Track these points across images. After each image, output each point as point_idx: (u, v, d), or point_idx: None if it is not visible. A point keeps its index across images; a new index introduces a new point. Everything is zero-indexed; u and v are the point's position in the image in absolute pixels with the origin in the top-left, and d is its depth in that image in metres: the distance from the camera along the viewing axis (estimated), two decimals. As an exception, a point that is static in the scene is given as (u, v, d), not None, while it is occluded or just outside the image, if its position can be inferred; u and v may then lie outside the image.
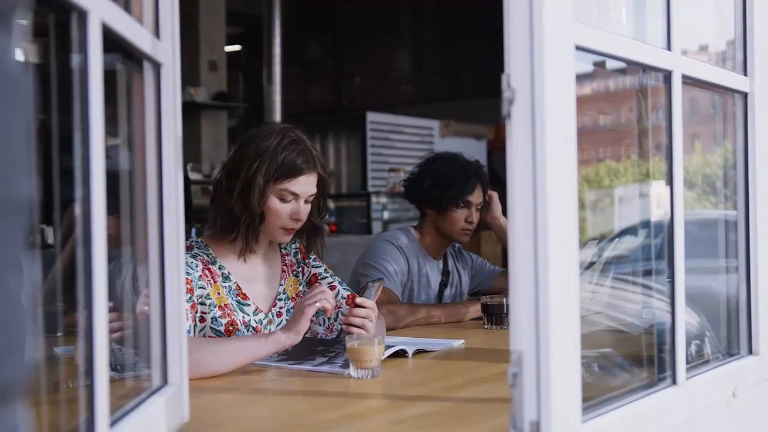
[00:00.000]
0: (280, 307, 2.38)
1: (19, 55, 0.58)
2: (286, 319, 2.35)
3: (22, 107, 0.58)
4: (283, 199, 2.25)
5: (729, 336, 1.92)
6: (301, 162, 2.24)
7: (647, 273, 2.00)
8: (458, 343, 2.41)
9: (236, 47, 10.52)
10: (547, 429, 1.19)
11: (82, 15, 1.02)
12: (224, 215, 2.26)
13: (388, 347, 2.08)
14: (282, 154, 2.22)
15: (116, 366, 1.36)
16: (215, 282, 2.24)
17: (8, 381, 0.54)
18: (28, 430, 0.59)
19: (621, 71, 1.77)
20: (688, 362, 1.60)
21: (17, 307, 0.55)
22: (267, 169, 2.20)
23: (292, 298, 2.41)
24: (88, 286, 1.03)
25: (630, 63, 1.56)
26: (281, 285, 2.41)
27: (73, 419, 1.09)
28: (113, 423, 1.11)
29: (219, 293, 2.24)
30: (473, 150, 6.86)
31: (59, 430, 1.13)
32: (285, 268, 2.44)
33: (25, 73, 0.59)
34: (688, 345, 1.66)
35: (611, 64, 1.58)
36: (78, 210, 1.03)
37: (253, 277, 2.35)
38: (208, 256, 2.26)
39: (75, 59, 1.04)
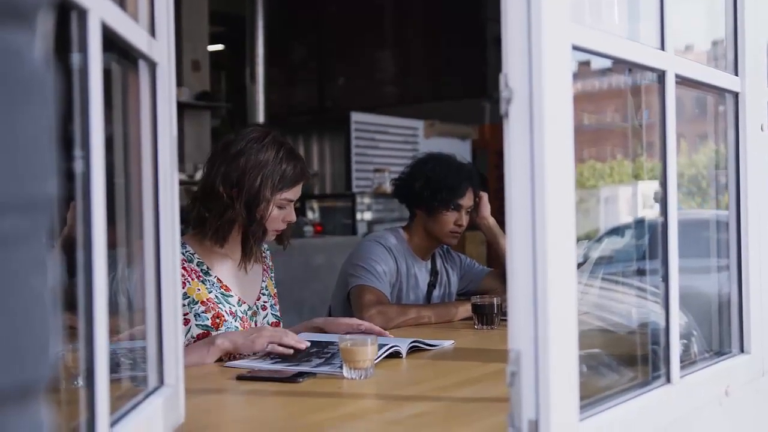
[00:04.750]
0: (264, 301, 2.47)
1: (43, 54, 0.58)
2: (271, 314, 2.47)
3: (46, 106, 0.57)
4: (281, 207, 2.35)
5: (721, 335, 1.93)
6: (300, 172, 2.36)
7: (636, 273, 2.02)
8: (449, 344, 2.41)
9: (219, 46, 10.50)
10: (546, 427, 1.19)
11: (82, 14, 1.01)
12: (227, 224, 2.31)
13: (381, 347, 2.08)
14: (284, 166, 2.32)
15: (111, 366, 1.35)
16: (193, 279, 2.29)
17: (34, 380, 0.54)
18: (52, 427, 0.59)
19: (606, 71, 1.78)
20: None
21: (42, 307, 0.55)
22: (272, 182, 2.30)
23: (273, 295, 2.52)
24: (88, 288, 1.03)
25: (625, 63, 1.57)
26: (263, 281, 2.50)
27: (71, 420, 1.08)
28: (113, 423, 1.11)
29: (199, 289, 2.29)
30: (457, 150, 6.86)
31: (59, 430, 1.12)
32: (265, 267, 2.53)
33: (48, 72, 0.58)
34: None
35: (596, 63, 1.59)
36: (78, 209, 1.03)
37: (236, 272, 2.41)
38: (184, 254, 2.29)
39: (74, 58, 1.04)
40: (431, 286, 3.19)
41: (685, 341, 1.87)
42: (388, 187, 7.33)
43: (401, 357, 2.16)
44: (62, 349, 1.36)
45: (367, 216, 7.66)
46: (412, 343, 2.26)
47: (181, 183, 6.98)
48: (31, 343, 0.54)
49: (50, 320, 0.56)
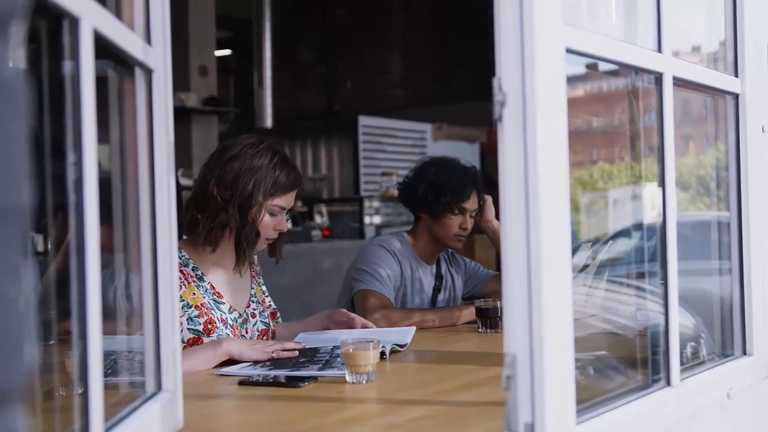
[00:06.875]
0: (253, 309, 2.50)
1: (17, 62, 0.58)
2: (261, 321, 2.50)
3: (20, 114, 0.58)
4: (272, 214, 2.38)
5: (723, 337, 1.93)
6: (294, 180, 2.40)
7: (641, 275, 2.01)
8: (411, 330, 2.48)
9: (226, 51, 10.51)
10: (542, 431, 1.19)
11: (74, 22, 1.02)
12: (219, 227, 2.33)
13: None
14: (277, 172, 2.36)
15: (108, 372, 1.36)
16: (189, 283, 2.33)
17: (7, 386, 0.55)
18: None
19: (613, 73, 1.77)
20: (683, 364, 1.60)
21: (16, 313, 0.55)
22: (265, 187, 2.33)
23: (261, 301, 2.54)
24: (81, 294, 1.03)
25: (621, 65, 1.56)
26: (252, 289, 2.53)
27: (67, 427, 1.08)
28: (108, 429, 1.11)
29: (194, 293, 2.32)
30: (466, 153, 6.87)
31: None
32: (254, 274, 2.56)
33: (22, 80, 0.59)
34: (683, 347, 1.66)
35: (603, 66, 1.59)
36: (71, 217, 1.03)
37: (227, 280, 2.44)
38: (180, 258, 2.31)
39: (66, 65, 1.04)
40: (436, 290, 3.19)
41: (694, 344, 1.86)
42: (396, 191, 7.32)
43: (385, 359, 2.17)
44: (37, 356, 1.36)
45: (376, 220, 7.66)
46: (392, 345, 2.30)
47: (188, 188, 6.99)
48: (4, 350, 0.54)
49: (25, 327, 0.56)
